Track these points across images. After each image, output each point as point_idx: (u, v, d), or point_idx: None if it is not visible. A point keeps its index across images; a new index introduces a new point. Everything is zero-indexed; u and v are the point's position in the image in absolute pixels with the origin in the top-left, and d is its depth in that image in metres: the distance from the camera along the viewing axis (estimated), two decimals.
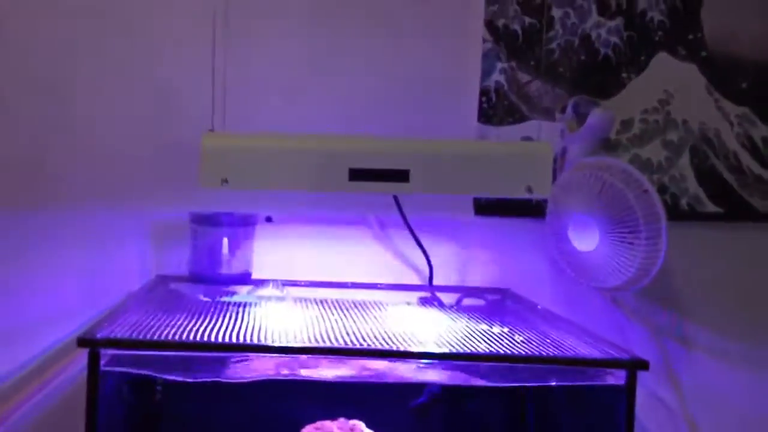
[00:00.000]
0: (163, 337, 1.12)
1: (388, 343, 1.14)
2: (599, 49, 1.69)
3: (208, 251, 1.53)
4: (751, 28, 1.71)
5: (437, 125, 1.67)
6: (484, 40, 1.67)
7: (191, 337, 1.13)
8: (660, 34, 1.70)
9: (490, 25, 1.67)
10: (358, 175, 1.16)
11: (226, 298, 1.48)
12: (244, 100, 1.60)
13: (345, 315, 1.38)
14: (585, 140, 1.63)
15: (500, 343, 1.21)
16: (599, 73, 1.69)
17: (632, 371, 1.05)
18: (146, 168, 1.64)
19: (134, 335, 1.12)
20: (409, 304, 1.55)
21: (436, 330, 1.30)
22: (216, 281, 1.53)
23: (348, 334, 1.20)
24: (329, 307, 1.46)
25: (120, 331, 1.13)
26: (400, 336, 1.21)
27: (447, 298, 1.62)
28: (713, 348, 1.70)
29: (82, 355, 1.08)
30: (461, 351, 1.13)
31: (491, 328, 1.34)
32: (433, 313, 1.47)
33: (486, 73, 1.68)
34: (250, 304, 1.45)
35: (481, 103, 1.68)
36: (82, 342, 1.04)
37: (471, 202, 1.67)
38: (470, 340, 1.23)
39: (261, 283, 1.57)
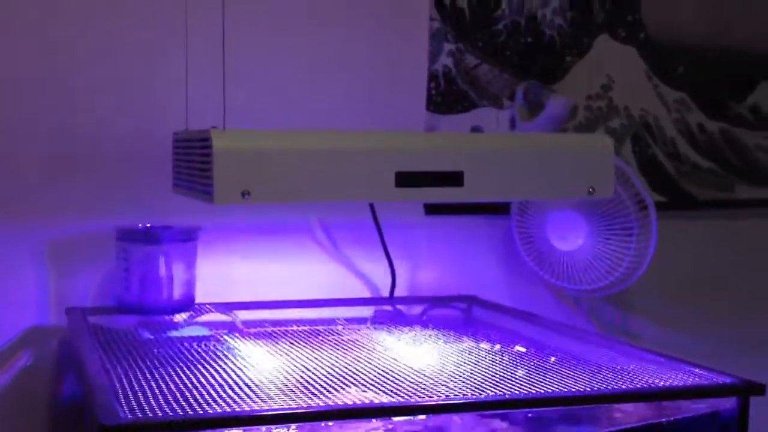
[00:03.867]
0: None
1: (418, 390, 0.94)
2: (545, 31, 1.57)
3: (141, 275, 1.24)
4: (687, 13, 1.66)
5: (384, 115, 1.47)
6: (432, 19, 1.50)
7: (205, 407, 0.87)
8: (602, 15, 1.60)
9: (438, 2, 1.49)
10: (406, 180, 0.95)
11: (175, 333, 1.21)
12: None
13: (330, 351, 1.15)
14: (542, 129, 1.50)
15: (545, 372, 1.05)
16: (545, 56, 1.57)
17: (746, 398, 0.94)
18: (35, 171, 1.31)
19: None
20: (383, 326, 1.34)
21: (445, 360, 1.11)
22: (153, 311, 1.24)
23: (361, 382, 0.98)
24: (303, 340, 1.23)
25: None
26: (419, 376, 1.01)
27: (410, 310, 1.44)
28: (659, 341, 1.65)
29: None
30: (524, 394, 0.94)
31: (495, 347, 1.18)
32: (419, 336, 1.28)
33: (434, 56, 1.50)
34: (209, 339, 1.20)
35: (429, 89, 1.50)
36: (103, 429, 0.75)
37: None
38: (497, 371, 1.05)
39: (202, 309, 1.31)
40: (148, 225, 1.27)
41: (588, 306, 1.61)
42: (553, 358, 1.14)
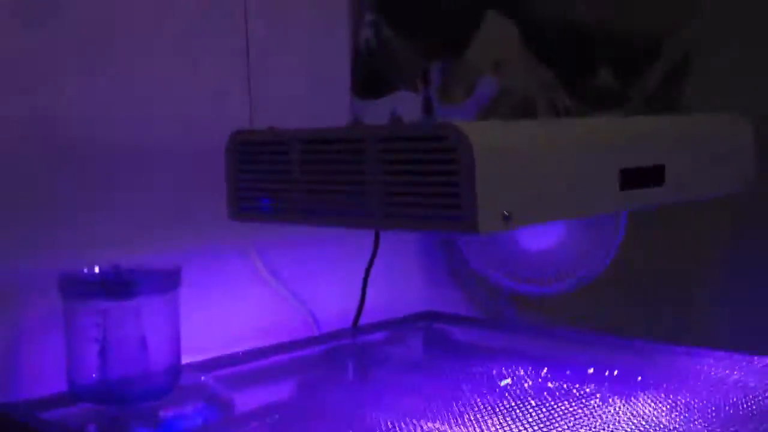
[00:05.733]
0: None
1: None
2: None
3: (105, 345, 0.84)
4: None
5: (305, 100, 1.19)
6: None
7: None
8: None
9: None
10: (630, 179, 0.72)
11: None
12: None
13: None
14: (470, 114, 1.32)
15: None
16: (444, 29, 1.39)
17: None
18: None
19: None
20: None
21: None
22: (127, 396, 0.85)
23: None
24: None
25: None
26: None
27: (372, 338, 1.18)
28: None
29: None
30: None
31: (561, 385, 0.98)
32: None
33: (354, 29, 1.25)
34: None
35: (353, 67, 1.25)
36: None
37: None
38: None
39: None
40: (96, 270, 0.86)
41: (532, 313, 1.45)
42: (639, 377, 0.98)
